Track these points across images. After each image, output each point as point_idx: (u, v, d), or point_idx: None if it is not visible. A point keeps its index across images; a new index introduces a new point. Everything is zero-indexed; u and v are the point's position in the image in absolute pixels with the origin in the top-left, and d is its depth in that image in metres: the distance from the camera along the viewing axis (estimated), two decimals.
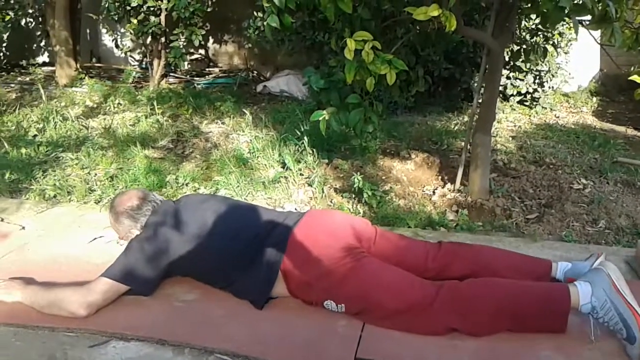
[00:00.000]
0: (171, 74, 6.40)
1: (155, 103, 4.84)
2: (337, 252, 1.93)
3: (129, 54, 6.72)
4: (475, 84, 3.67)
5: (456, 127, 4.41)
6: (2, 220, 2.85)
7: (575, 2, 2.18)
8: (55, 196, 3.18)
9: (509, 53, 3.59)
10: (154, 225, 2.10)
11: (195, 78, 6.44)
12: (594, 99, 5.48)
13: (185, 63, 6.01)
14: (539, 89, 5.02)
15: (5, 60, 7.24)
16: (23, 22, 7.32)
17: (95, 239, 2.57)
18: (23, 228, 2.77)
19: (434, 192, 3.22)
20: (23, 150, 3.85)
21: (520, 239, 2.60)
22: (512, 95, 5.01)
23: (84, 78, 6.09)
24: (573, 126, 4.61)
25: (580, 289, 1.78)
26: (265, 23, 2.49)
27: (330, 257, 1.92)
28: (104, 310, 2.00)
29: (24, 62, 7.22)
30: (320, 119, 2.76)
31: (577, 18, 2.31)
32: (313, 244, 1.96)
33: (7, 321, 1.93)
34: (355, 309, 1.90)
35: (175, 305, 2.04)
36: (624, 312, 1.70)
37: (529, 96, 5.06)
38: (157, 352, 1.78)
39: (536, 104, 5.08)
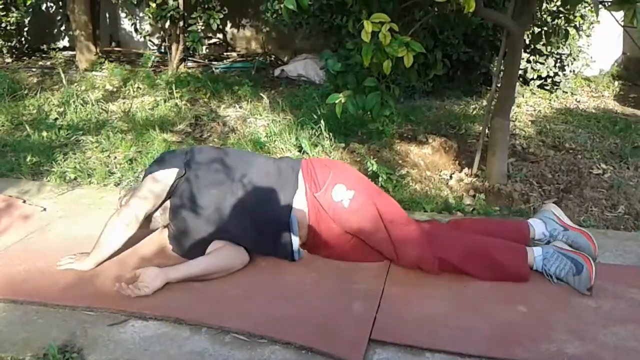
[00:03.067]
0: (189, 58, 6.42)
1: (173, 87, 4.87)
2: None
3: (148, 38, 6.75)
4: (495, 68, 3.63)
5: (474, 112, 4.37)
6: (24, 201, 2.90)
7: None
8: (75, 178, 3.23)
9: (530, 36, 3.54)
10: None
11: (213, 62, 6.45)
12: (616, 83, 5.38)
13: (204, 47, 6.01)
14: (559, 73, 4.94)
15: (26, 45, 7.31)
16: (44, 6, 7.38)
17: None
18: (44, 209, 2.82)
19: (451, 177, 3.21)
20: (44, 134, 3.90)
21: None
22: (532, 79, 4.94)
23: (104, 62, 6.13)
24: (594, 110, 4.54)
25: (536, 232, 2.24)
26: (282, 6, 2.48)
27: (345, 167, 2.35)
28: None
29: (44, 47, 7.27)
30: (337, 102, 2.75)
31: None
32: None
33: (30, 299, 1.98)
34: (362, 197, 2.16)
35: (193, 285, 2.06)
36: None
37: (549, 80, 4.98)
38: (174, 331, 1.81)
39: (557, 88, 5.00)
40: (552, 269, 2.05)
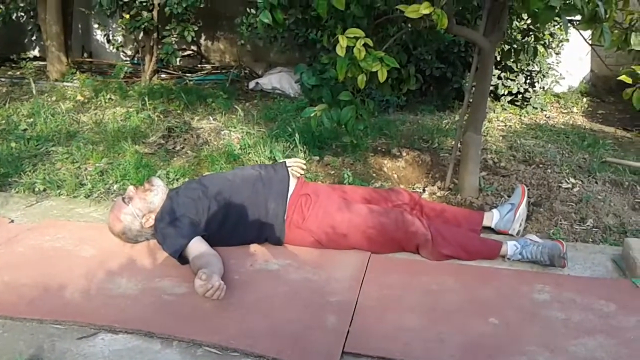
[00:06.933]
0: (163, 69, 6.37)
1: (146, 98, 4.82)
2: None
3: (120, 49, 6.69)
4: (467, 84, 3.69)
5: (447, 126, 4.43)
6: None
7: (566, 1, 2.20)
8: (44, 190, 3.17)
9: (500, 52, 3.61)
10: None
11: (187, 74, 6.42)
12: (584, 99, 5.51)
13: (177, 59, 5.98)
14: (530, 89, 5.04)
15: None
16: (14, 15, 7.25)
17: None
18: (12, 221, 2.76)
19: (424, 190, 3.24)
20: (13, 144, 3.83)
21: (507, 237, 2.62)
22: (503, 95, 5.03)
23: (75, 73, 6.05)
24: (563, 126, 4.64)
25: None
26: (257, 19, 2.50)
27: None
28: (93, 303, 2.00)
29: (14, 56, 7.16)
30: (312, 115, 2.76)
31: (567, 18, 2.32)
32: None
33: None
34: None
35: (164, 298, 2.04)
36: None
37: (520, 96, 5.08)
38: (145, 345, 1.79)
39: (527, 104, 5.10)
40: (527, 255, 2.36)
